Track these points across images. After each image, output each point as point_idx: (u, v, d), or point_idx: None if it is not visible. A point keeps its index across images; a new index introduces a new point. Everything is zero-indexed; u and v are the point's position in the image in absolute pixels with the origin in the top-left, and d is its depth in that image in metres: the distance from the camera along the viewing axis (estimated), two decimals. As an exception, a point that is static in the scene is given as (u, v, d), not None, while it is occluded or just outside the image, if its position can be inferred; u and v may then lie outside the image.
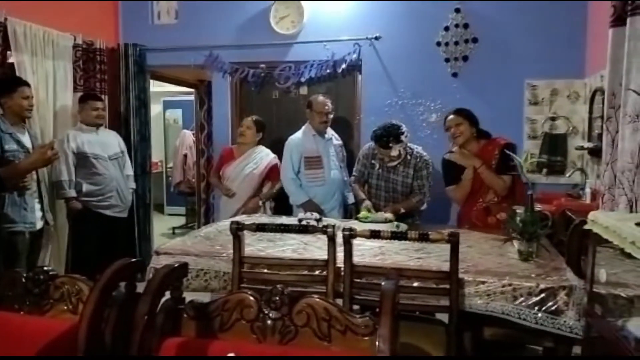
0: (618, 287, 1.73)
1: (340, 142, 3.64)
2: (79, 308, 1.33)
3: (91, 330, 1.16)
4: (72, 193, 3.48)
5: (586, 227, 1.69)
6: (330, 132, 3.57)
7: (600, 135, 2.76)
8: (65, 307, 1.36)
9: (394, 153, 2.96)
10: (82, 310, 1.20)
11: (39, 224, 3.06)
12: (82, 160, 3.52)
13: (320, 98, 3.46)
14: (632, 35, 2.10)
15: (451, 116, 2.88)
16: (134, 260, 1.31)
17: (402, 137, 2.94)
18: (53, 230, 3.47)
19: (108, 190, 3.62)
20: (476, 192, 2.87)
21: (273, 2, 3.94)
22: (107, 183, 3.61)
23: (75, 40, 3.84)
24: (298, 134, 3.50)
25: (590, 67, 3.39)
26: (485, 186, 2.81)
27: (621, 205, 2.19)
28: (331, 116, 3.48)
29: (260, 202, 3.62)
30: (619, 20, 2.28)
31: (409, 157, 3.04)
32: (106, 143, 3.68)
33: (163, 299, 1.26)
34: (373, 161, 3.12)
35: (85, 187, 3.52)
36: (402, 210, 2.98)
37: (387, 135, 2.92)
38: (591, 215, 1.68)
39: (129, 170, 3.91)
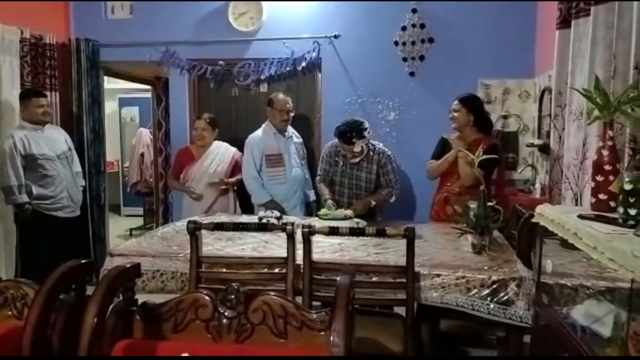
0: (564, 277, 1.81)
1: (300, 139, 3.65)
2: (24, 313, 1.27)
3: (36, 336, 1.12)
4: (24, 198, 3.30)
5: (534, 220, 1.77)
6: (290, 130, 3.57)
7: (549, 133, 2.88)
8: (10, 313, 1.30)
9: (357, 149, 3.00)
10: (27, 315, 1.15)
11: None
12: (31, 163, 3.35)
13: (281, 96, 3.45)
14: (576, 37, 2.21)
15: (455, 101, 3.02)
16: (83, 261, 1.27)
17: (365, 133, 2.98)
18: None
19: (59, 191, 3.49)
20: (445, 178, 3.03)
21: (231, -2, 3.90)
22: (57, 184, 3.48)
23: (22, 34, 3.67)
24: (258, 132, 3.47)
25: (539, 67, 3.53)
26: (454, 174, 2.95)
27: (567, 199, 2.30)
28: (292, 114, 3.48)
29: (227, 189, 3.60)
30: (564, 23, 2.39)
31: (371, 153, 3.09)
32: (53, 141, 3.52)
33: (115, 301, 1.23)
34: (337, 158, 3.15)
35: (36, 190, 3.36)
36: (373, 203, 3.05)
37: (350, 132, 2.95)
38: (538, 208, 1.75)
39: (77, 167, 3.77)
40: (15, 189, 3.26)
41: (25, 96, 3.46)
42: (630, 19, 1.69)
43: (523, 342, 2.01)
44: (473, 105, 2.99)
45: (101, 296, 1.13)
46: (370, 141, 3.10)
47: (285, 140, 3.49)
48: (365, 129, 2.98)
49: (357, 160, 3.07)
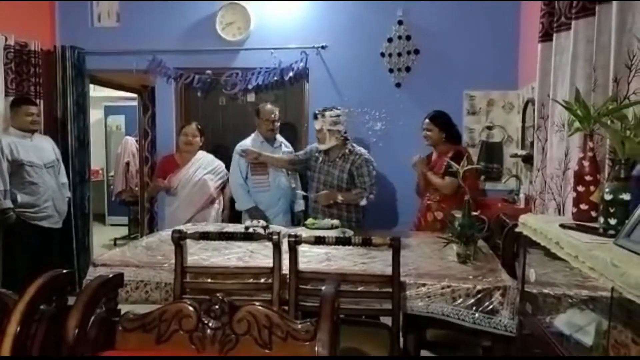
0: (547, 286, 1.83)
1: (290, 149, 3.67)
2: (2, 325, 1.24)
3: (16, 347, 1.09)
4: (8, 204, 3.26)
5: (517, 230, 1.79)
6: (279, 139, 3.61)
7: (532, 144, 2.92)
8: (-12, 324, 1.27)
9: (317, 126, 3.12)
10: (5, 326, 1.13)
11: None
12: (16, 169, 3.32)
13: (268, 106, 3.51)
14: (557, 50, 2.25)
15: (426, 120, 3.17)
16: (64, 271, 1.25)
17: (328, 113, 3.08)
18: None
19: (43, 200, 3.45)
20: (425, 189, 3.20)
21: (219, 8, 3.90)
22: (43, 193, 3.44)
23: (6, 40, 3.63)
24: (247, 140, 3.52)
25: (522, 79, 3.60)
26: (432, 185, 3.11)
27: (550, 209, 2.32)
28: (278, 124, 3.53)
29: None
30: (546, 36, 2.44)
31: (347, 152, 3.14)
32: (41, 150, 3.51)
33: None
34: (317, 154, 3.23)
35: (20, 198, 3.32)
36: (340, 198, 3.08)
37: (320, 110, 3.14)
38: (522, 218, 1.77)
39: (64, 178, 3.74)
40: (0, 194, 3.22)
41: (16, 103, 3.48)
42: (610, 33, 1.74)
43: (509, 351, 2.02)
44: (443, 122, 3.14)
45: (83, 306, 1.12)
46: (353, 144, 3.19)
47: (273, 149, 3.52)
48: (332, 112, 3.09)
49: (334, 158, 3.15)
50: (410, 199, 3.51)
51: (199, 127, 3.67)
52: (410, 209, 3.47)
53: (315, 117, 3.15)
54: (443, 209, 2.99)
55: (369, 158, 3.17)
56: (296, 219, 3.66)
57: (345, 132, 3.15)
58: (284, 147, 3.62)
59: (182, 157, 3.66)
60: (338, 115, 3.10)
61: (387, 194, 3.85)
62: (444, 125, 3.12)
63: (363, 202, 3.12)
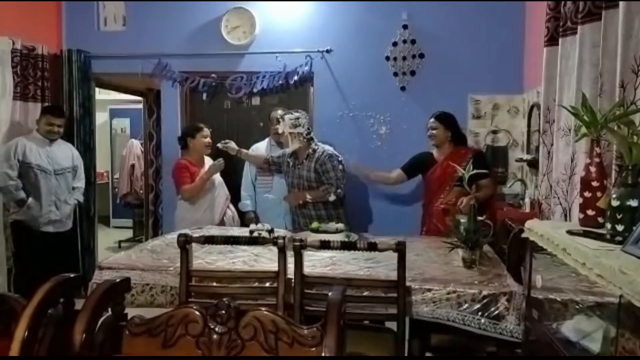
0: (554, 292, 1.82)
1: None
2: (10, 329, 1.25)
3: (24, 352, 1.10)
4: (22, 194, 3.44)
5: (523, 235, 1.78)
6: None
7: (537, 148, 2.92)
8: (-5, 328, 1.28)
9: (280, 130, 3.23)
10: (14, 330, 1.13)
11: None
12: (24, 171, 3.47)
13: (279, 112, 3.56)
14: (563, 54, 2.25)
15: (431, 119, 3.13)
16: (71, 276, 1.25)
17: (287, 117, 3.16)
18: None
19: (46, 204, 3.54)
20: (436, 192, 3.09)
21: (225, 12, 3.92)
22: (45, 197, 3.53)
23: (13, 44, 3.66)
24: (260, 143, 3.72)
25: (527, 83, 3.59)
26: (446, 186, 3.02)
27: (556, 214, 2.31)
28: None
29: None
30: (552, 40, 2.44)
31: (311, 151, 3.19)
32: (57, 157, 3.63)
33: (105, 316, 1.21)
34: (289, 159, 3.29)
35: (29, 199, 3.47)
36: (308, 197, 3.14)
37: (281, 114, 3.30)
38: (528, 224, 1.76)
39: (78, 183, 3.82)
40: (12, 187, 3.40)
41: (42, 110, 3.66)
42: (616, 38, 1.73)
43: (514, 357, 2.02)
44: (449, 121, 3.12)
45: (90, 311, 1.12)
46: (318, 143, 3.24)
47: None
48: (292, 118, 3.13)
49: (302, 159, 3.20)
50: (415, 203, 3.50)
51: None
52: (415, 213, 3.46)
53: (278, 121, 3.29)
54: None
55: (332, 153, 3.19)
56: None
57: (308, 134, 3.17)
58: None
59: (195, 161, 3.58)
60: (298, 118, 3.15)
61: (391, 198, 3.85)
62: (450, 125, 3.10)
63: (332, 198, 3.11)
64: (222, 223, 3.52)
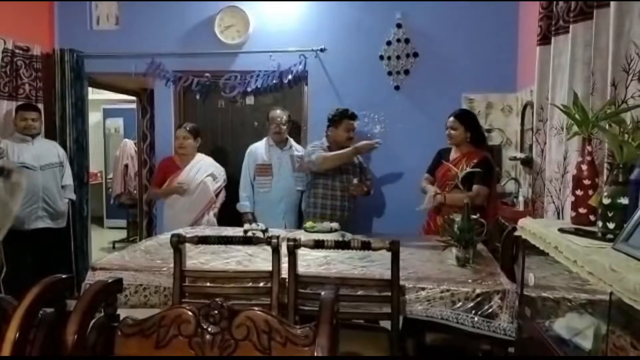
0: (546, 289, 1.83)
1: (301, 152, 3.69)
2: (1, 330, 1.24)
3: (15, 353, 1.09)
4: (12, 164, 3.34)
5: (516, 233, 1.79)
6: (290, 142, 3.72)
7: (531, 147, 2.93)
8: (-14, 330, 1.27)
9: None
10: (5, 332, 1.12)
11: None
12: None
13: (277, 112, 3.62)
14: (556, 53, 2.26)
15: (451, 118, 3.03)
16: (63, 276, 1.24)
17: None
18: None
19: (34, 201, 3.51)
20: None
21: (218, 11, 3.91)
22: (32, 194, 3.49)
23: (5, 44, 3.63)
24: (258, 143, 3.70)
25: (521, 82, 3.60)
26: (446, 186, 2.95)
27: (549, 212, 2.33)
28: (284, 127, 3.62)
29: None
30: (544, 39, 2.45)
31: None
32: (41, 154, 3.58)
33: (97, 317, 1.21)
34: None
35: None
36: (364, 188, 3.35)
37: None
38: (520, 222, 1.77)
39: (67, 181, 3.79)
40: None
41: (16, 109, 3.61)
42: (607, 37, 1.74)
43: (508, 355, 2.03)
44: (469, 121, 3.03)
45: (82, 312, 1.11)
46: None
47: (281, 152, 3.64)
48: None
49: None
50: (410, 201, 3.49)
51: (191, 128, 3.64)
52: (410, 211, 3.45)
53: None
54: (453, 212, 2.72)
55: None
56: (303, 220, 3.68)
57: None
58: (295, 151, 3.69)
59: (181, 159, 3.66)
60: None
61: (386, 197, 3.85)
62: (470, 124, 3.01)
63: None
64: (197, 225, 3.45)
